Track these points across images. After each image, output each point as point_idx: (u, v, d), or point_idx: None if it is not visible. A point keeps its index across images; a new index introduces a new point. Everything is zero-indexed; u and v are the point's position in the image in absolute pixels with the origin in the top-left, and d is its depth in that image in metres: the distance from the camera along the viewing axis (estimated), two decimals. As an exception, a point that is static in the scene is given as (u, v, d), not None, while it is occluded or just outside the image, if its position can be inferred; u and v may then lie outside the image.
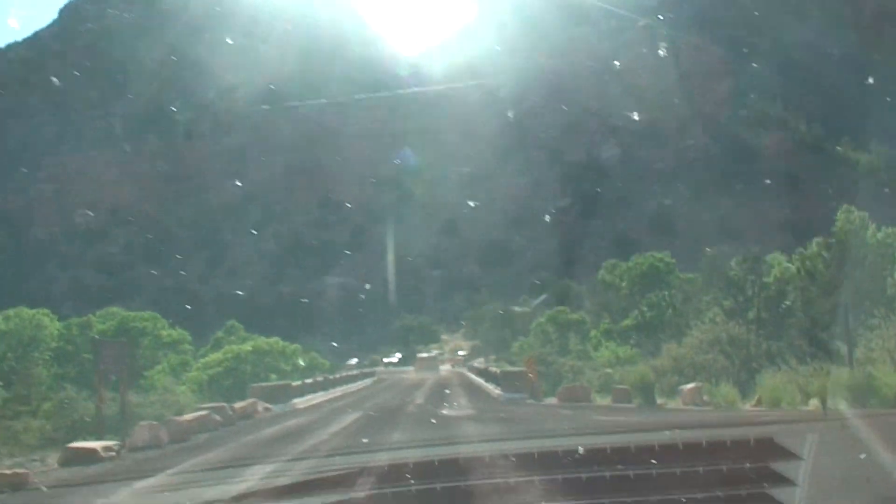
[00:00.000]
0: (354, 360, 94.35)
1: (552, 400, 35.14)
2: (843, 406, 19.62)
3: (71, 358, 50.54)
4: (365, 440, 18.06)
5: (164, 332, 58.09)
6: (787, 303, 33.00)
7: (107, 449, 18.14)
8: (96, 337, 43.68)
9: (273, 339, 53.87)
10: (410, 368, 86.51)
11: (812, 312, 30.35)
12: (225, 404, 28.91)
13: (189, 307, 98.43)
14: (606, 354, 50.68)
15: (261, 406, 32.92)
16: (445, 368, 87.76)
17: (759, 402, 24.35)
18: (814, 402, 21.59)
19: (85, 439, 20.87)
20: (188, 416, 24.60)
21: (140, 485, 13.55)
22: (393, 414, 30.16)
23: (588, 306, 75.14)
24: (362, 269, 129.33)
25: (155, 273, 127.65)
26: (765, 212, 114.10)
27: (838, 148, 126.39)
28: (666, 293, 56.95)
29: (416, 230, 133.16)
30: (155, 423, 22.02)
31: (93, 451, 17.83)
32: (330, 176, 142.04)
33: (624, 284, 63.42)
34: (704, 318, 36.91)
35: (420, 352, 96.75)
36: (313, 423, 27.03)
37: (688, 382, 28.87)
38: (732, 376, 28.72)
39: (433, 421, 25.83)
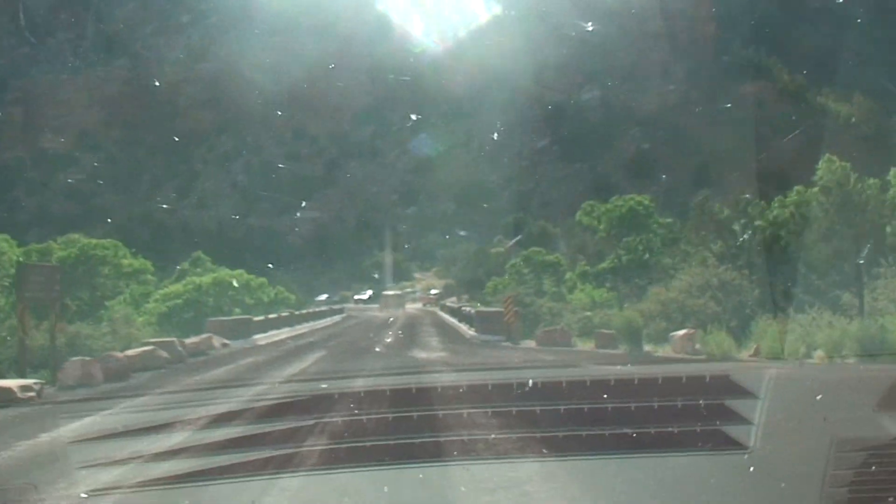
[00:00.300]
0: (324, 296, 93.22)
1: (530, 343, 33.51)
2: (851, 359, 18.38)
3: (30, 286, 48.53)
4: (324, 385, 16.25)
5: (125, 261, 55.93)
6: (781, 246, 31.18)
7: (25, 389, 16.10)
8: (20, 260, 41.63)
9: (237, 272, 52.00)
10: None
11: (809, 259, 28.62)
12: (174, 339, 26.88)
13: (156, 237, 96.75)
14: (582, 297, 49.98)
15: (218, 342, 31.05)
16: (417, 307, 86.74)
17: (756, 353, 22.77)
18: (819, 354, 20.14)
19: (19, 375, 19.11)
20: (130, 352, 22.69)
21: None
22: (358, 354, 28.55)
23: (564, 248, 74.26)
24: (335, 204, 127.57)
25: (122, 201, 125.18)
26: (743, 159, 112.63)
27: (819, 98, 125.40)
28: (644, 237, 56.43)
29: (390, 166, 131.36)
30: (88, 359, 20.03)
31: (8, 391, 15.78)
32: (305, 107, 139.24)
33: (602, 227, 62.36)
34: (692, 261, 35.22)
35: (388, 289, 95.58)
36: (270, 362, 25.23)
37: (676, 329, 27.27)
38: (725, 323, 27.01)
39: (402, 364, 24.12)
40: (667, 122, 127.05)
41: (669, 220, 60.97)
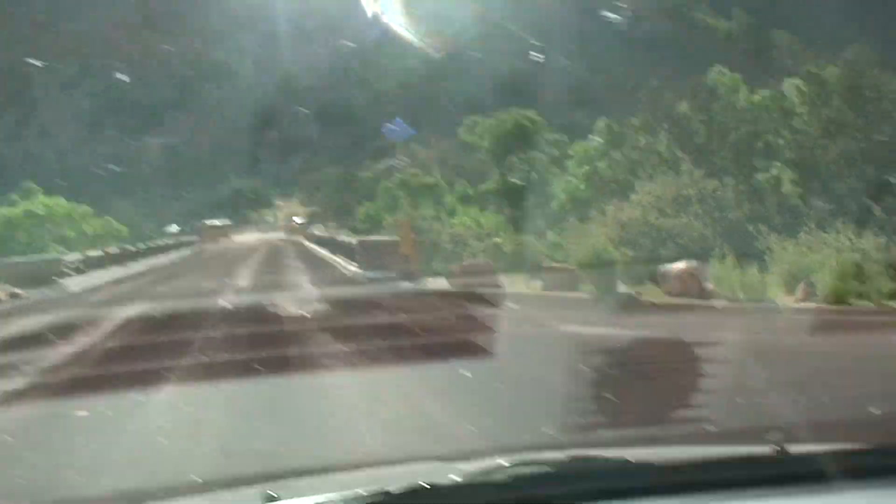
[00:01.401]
0: (175, 228, 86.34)
1: (439, 282, 25.63)
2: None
3: None
4: (83, 413, 8.78)
5: (-64, 197, 48.12)
6: (762, 146, 24.20)
7: None
8: None
9: (54, 200, 43.82)
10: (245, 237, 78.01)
11: (810, 162, 21.88)
12: None
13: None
14: (466, 221, 44.80)
15: (5, 292, 23.18)
16: (279, 236, 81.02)
17: (805, 296, 15.64)
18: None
19: None
20: None
21: None
22: (196, 311, 20.92)
23: (438, 171, 70.31)
24: (188, 128, 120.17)
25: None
26: (622, 77, 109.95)
27: (696, 14, 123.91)
28: (530, 155, 53.19)
29: (249, 88, 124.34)
30: None
31: None
32: (155, 27, 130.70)
33: (486, 144, 58.11)
34: (646, 167, 28.23)
35: (212, 220, 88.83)
36: (51, 331, 17.33)
37: (652, 259, 19.80)
38: (721, 249, 19.52)
39: (263, 330, 16.42)
40: (539, 39, 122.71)
41: (559, 136, 57.30)
